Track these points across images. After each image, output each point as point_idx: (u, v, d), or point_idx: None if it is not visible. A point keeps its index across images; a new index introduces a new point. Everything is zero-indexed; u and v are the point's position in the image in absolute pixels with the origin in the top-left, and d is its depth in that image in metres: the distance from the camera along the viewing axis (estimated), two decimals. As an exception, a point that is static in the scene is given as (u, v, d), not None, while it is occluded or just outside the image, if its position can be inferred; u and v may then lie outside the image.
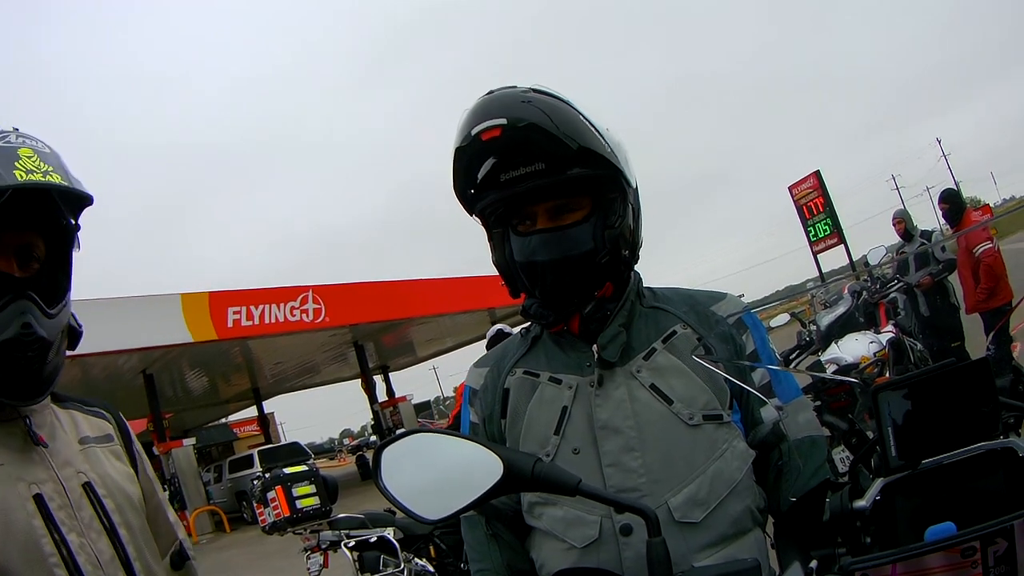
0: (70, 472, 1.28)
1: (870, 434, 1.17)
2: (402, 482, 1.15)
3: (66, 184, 1.25)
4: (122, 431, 1.46)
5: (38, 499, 1.21)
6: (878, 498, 1.23)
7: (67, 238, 1.35)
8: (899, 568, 0.91)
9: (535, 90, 1.38)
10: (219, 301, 17.67)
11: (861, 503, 1.23)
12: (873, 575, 0.92)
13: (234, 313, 17.75)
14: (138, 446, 1.49)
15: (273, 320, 18.39)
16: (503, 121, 1.32)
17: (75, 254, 1.38)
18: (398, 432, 1.21)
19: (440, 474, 1.14)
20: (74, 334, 1.39)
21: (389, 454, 1.18)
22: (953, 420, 1.10)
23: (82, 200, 1.33)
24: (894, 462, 1.12)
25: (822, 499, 1.29)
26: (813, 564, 1.19)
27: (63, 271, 1.35)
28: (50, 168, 1.24)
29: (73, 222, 1.34)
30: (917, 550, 0.91)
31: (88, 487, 1.29)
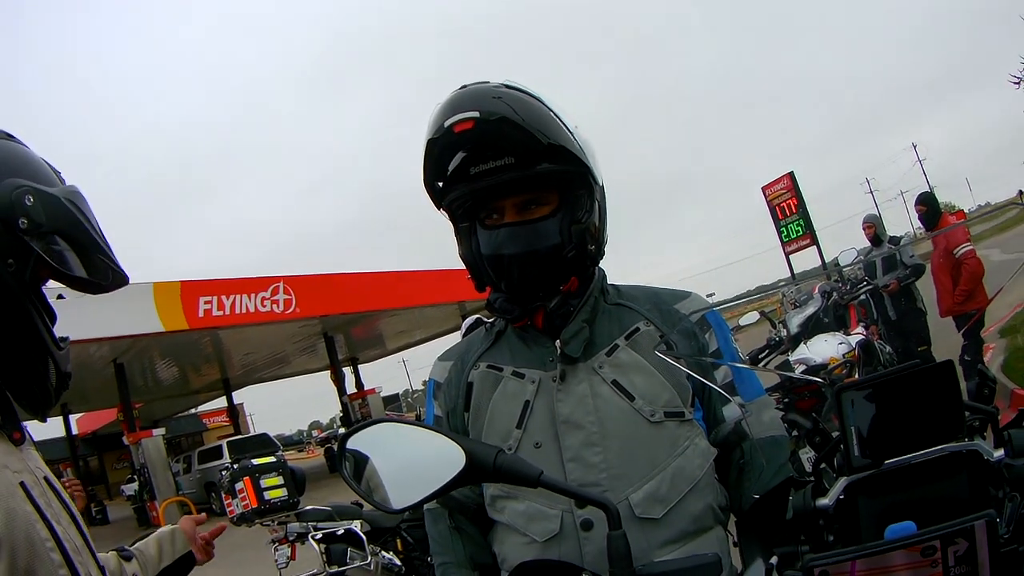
0: (33, 464, 1.27)
1: (835, 433, 1.17)
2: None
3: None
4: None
5: (23, 487, 1.20)
6: (841, 497, 1.23)
7: None
8: (859, 565, 0.91)
9: (507, 86, 1.40)
10: (191, 290, 17.51)
11: (824, 501, 1.23)
12: (833, 572, 0.92)
13: (205, 303, 17.61)
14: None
15: (244, 310, 18.26)
16: (475, 114, 1.33)
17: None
18: (363, 421, 1.20)
19: (403, 463, 1.14)
20: None
21: (353, 443, 1.17)
22: (917, 421, 1.11)
23: None
24: (857, 461, 1.12)
25: (785, 497, 1.29)
26: (774, 560, 1.19)
27: None
28: None
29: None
30: (877, 548, 0.91)
31: (47, 480, 1.28)
